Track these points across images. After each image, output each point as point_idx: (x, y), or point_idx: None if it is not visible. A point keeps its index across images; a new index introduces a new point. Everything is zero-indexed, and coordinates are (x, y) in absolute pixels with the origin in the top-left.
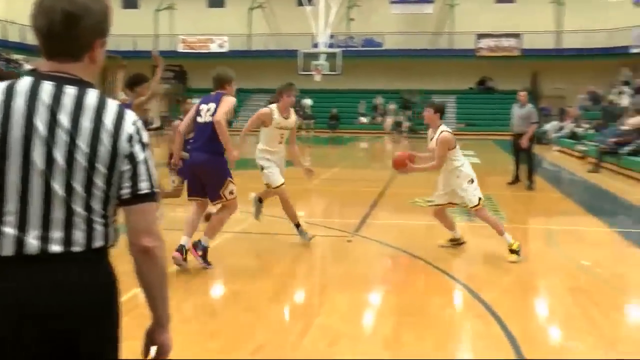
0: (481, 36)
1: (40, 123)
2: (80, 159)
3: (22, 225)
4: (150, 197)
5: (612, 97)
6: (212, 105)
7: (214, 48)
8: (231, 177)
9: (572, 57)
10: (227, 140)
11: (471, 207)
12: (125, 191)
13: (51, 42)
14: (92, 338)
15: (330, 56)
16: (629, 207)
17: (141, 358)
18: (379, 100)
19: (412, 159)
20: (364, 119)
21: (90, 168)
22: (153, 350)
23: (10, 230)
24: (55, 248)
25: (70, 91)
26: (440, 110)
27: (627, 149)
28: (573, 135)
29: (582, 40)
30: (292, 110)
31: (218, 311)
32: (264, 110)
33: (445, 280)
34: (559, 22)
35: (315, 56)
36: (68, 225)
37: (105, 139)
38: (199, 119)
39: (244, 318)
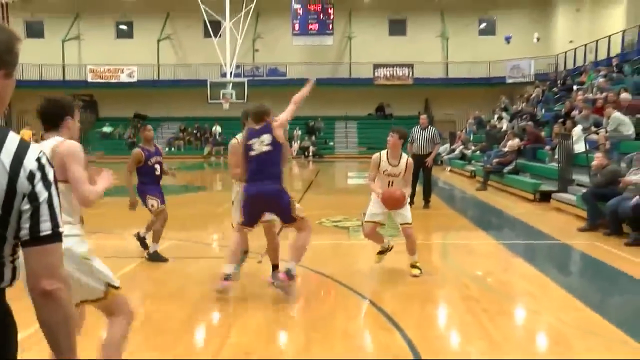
0: (377, 66)
1: None
2: None
3: None
4: (53, 238)
5: (494, 122)
6: (267, 136)
7: (123, 78)
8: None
9: (459, 85)
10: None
11: (407, 224)
12: (24, 232)
13: None
14: None
15: (238, 85)
16: (512, 222)
17: None
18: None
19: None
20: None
21: None
22: None
23: None
24: None
25: None
26: (404, 137)
27: (508, 168)
28: (463, 157)
29: (467, 71)
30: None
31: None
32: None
33: (351, 295)
34: (445, 54)
35: (223, 85)
36: None
37: (1, 178)
38: (252, 153)
39: (160, 339)
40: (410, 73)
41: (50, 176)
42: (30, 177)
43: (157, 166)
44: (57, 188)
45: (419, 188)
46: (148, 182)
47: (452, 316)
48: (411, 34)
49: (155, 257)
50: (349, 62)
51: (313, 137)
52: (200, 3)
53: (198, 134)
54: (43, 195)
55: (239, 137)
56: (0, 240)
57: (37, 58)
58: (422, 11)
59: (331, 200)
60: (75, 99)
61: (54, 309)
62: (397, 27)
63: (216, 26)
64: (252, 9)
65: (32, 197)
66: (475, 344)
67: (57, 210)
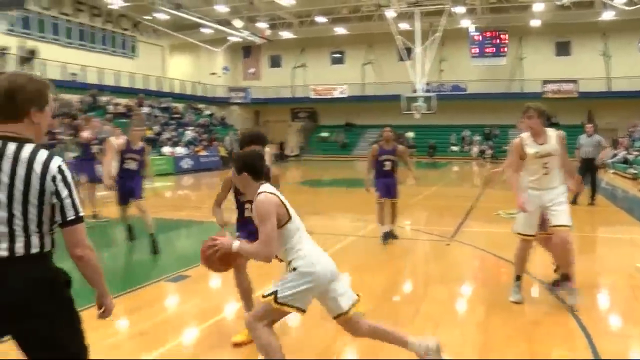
0: (546, 82)
1: None
2: (18, 196)
3: None
4: (76, 220)
5: None
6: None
7: (336, 94)
8: None
9: (620, 97)
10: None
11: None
12: (58, 218)
13: None
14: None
15: (427, 99)
16: None
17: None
18: (466, 133)
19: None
20: (454, 148)
21: (25, 202)
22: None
23: None
24: (3, 253)
25: (11, 146)
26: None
27: None
28: (625, 161)
29: (628, 84)
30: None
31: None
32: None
33: (526, 278)
34: (607, 70)
35: (414, 99)
36: (12, 239)
37: (35, 182)
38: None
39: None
40: (575, 87)
41: (69, 178)
42: (53, 179)
43: (387, 163)
44: (73, 185)
45: (586, 189)
46: (377, 175)
47: (619, 302)
48: (575, 54)
49: (388, 236)
50: (520, 79)
51: (490, 142)
52: (395, 35)
53: None
54: (64, 192)
55: (524, 135)
56: (40, 221)
57: (276, 82)
58: (585, 33)
59: (507, 195)
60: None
61: (84, 266)
62: (563, 48)
63: (408, 52)
64: (438, 37)
65: (57, 194)
66: None
67: (77, 201)
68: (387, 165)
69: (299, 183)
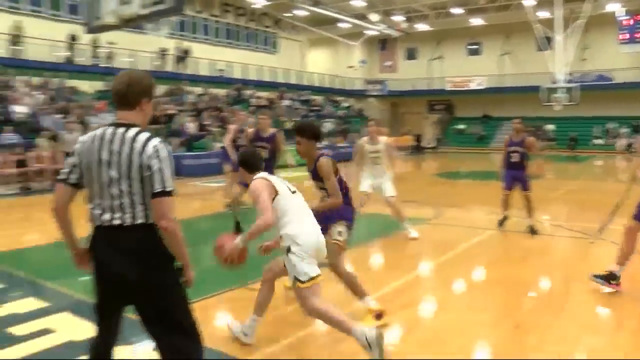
0: None
1: (104, 152)
2: (124, 171)
3: (102, 210)
4: (163, 193)
5: None
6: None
7: (473, 86)
8: None
9: None
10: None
11: None
12: (148, 190)
13: (117, 98)
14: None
15: (568, 89)
16: None
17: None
18: (611, 125)
19: None
20: (598, 141)
21: (129, 177)
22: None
23: (98, 212)
24: (117, 222)
25: (120, 130)
26: None
27: None
28: None
29: None
30: None
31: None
32: None
33: None
34: None
35: (554, 90)
36: (122, 210)
37: (135, 159)
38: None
39: (508, 298)
40: None
41: (162, 155)
42: (149, 157)
43: (514, 154)
44: (169, 162)
45: None
46: (505, 167)
47: None
48: None
49: (533, 231)
50: None
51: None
52: (534, 24)
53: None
54: (155, 166)
55: None
56: (143, 194)
57: (412, 74)
58: None
59: None
60: None
61: (169, 236)
62: None
63: (547, 41)
64: (581, 24)
65: (149, 168)
66: None
67: (167, 176)
68: (515, 157)
69: (436, 175)
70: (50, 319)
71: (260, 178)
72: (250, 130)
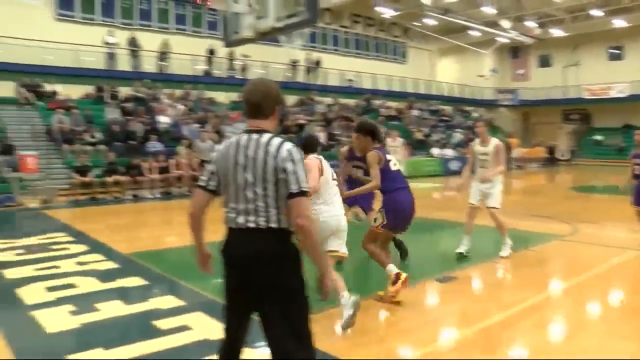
0: None
1: (240, 158)
2: (259, 175)
3: (237, 213)
4: (299, 193)
5: None
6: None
7: (613, 94)
8: None
9: None
10: None
11: None
12: (284, 191)
13: (252, 108)
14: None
15: None
16: None
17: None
18: None
19: None
20: None
21: (264, 180)
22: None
23: (233, 216)
24: (251, 225)
25: (254, 136)
26: None
27: None
28: None
29: None
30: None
31: None
32: None
33: None
34: None
35: None
36: (257, 213)
37: (270, 162)
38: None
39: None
40: None
41: (296, 158)
42: (283, 159)
43: (637, 167)
44: (302, 164)
45: None
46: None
47: None
48: None
49: None
50: None
51: None
52: None
53: None
54: (290, 168)
55: None
56: (277, 197)
57: (546, 82)
58: None
59: None
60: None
61: (304, 236)
62: None
63: None
64: None
65: (285, 170)
66: None
67: (302, 177)
68: (637, 169)
69: (570, 189)
70: (187, 317)
71: (314, 157)
72: (345, 148)
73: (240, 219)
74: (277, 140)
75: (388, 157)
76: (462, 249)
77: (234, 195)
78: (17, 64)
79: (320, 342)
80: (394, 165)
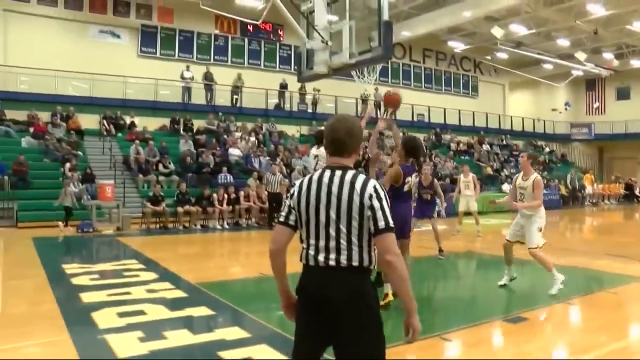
0: None
1: (323, 194)
2: (344, 211)
3: (316, 251)
4: (386, 229)
5: None
6: None
7: None
8: None
9: None
10: None
11: None
12: (372, 228)
13: (336, 146)
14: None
15: None
16: None
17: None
18: None
19: None
20: None
21: (349, 217)
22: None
23: (312, 253)
24: (332, 263)
25: (338, 173)
26: None
27: None
28: None
29: None
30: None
31: None
32: None
33: None
34: None
35: None
36: (338, 251)
37: (356, 199)
38: None
39: None
40: None
41: (382, 195)
42: (370, 196)
43: None
44: (387, 201)
45: None
46: None
47: None
48: None
49: None
50: None
51: None
52: None
53: None
54: (377, 205)
55: None
56: (361, 234)
57: (624, 115)
58: None
59: None
60: None
61: (392, 271)
62: None
63: None
64: None
65: (372, 207)
66: None
67: (388, 214)
68: None
69: None
70: (253, 349)
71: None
72: (415, 179)
73: (320, 257)
74: (362, 178)
75: (408, 179)
76: (502, 281)
77: (314, 232)
78: (101, 98)
79: None
80: (406, 186)
